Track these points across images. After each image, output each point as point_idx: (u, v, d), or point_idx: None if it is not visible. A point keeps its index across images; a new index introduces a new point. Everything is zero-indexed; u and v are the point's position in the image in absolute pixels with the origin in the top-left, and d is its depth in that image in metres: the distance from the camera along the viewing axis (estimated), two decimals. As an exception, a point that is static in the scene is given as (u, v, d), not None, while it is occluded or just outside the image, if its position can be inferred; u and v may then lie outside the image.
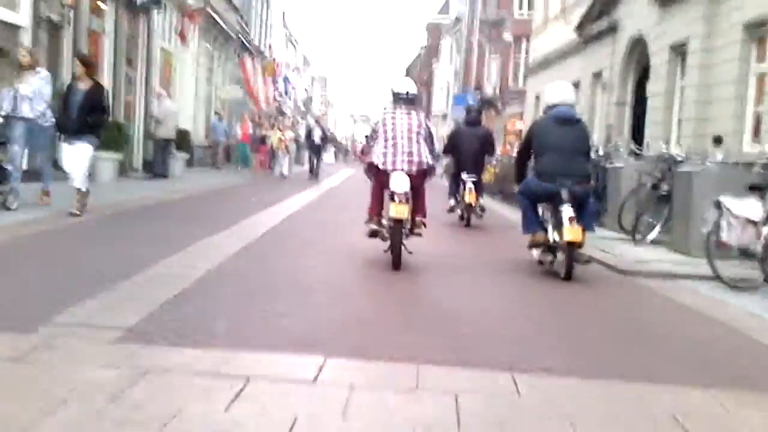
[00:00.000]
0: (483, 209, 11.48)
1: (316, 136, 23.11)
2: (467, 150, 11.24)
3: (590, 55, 24.79)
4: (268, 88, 26.12)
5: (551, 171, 6.85)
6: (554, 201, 6.85)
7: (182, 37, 17.43)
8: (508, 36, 44.40)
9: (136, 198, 12.35)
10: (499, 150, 22.81)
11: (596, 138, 17.36)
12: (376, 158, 6.98)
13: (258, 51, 29.97)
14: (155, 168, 15.83)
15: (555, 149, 6.91)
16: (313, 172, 23.18)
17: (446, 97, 57.93)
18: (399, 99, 7.27)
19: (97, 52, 14.48)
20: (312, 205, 14.18)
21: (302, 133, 30.94)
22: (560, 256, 6.82)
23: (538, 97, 31.81)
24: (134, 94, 16.40)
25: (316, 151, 23.43)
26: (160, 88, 16.65)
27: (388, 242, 6.93)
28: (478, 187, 11.18)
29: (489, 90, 44.38)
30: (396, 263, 6.73)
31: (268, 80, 26.73)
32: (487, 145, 11.61)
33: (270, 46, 31.34)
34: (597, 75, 24.01)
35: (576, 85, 25.28)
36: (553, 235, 6.88)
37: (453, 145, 11.67)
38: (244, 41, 28.56)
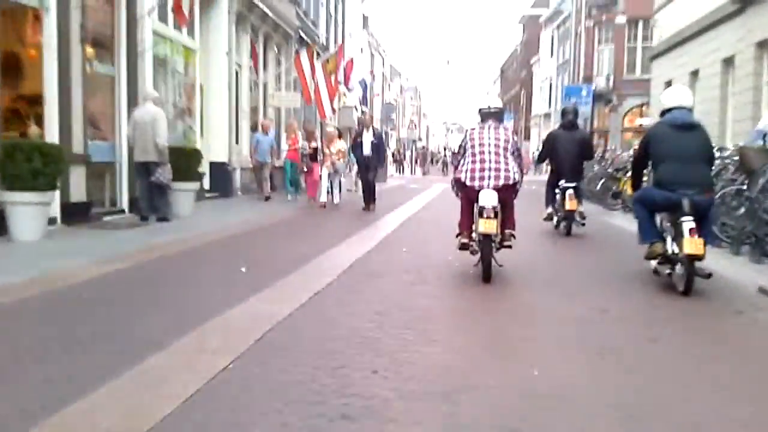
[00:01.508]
0: (584, 216, 10.93)
1: (366, 145, 15.17)
2: (564, 155, 10.74)
3: (752, 19, 18.57)
4: (334, 90, 20.77)
5: (671, 180, 6.53)
6: (674, 211, 6.49)
7: (179, 14, 12.25)
8: (621, 18, 38.25)
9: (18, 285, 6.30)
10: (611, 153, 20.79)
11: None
12: (464, 175, 6.99)
13: (324, 50, 24.82)
14: (142, 207, 10.85)
15: (675, 157, 6.57)
16: (367, 200, 15.31)
17: (549, 95, 51.63)
18: (485, 114, 7.33)
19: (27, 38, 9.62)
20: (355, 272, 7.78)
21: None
22: (679, 268, 6.45)
23: (669, 83, 26.10)
24: (114, 99, 11.40)
25: (366, 166, 15.36)
26: (151, 89, 11.55)
27: (478, 256, 6.95)
28: (578, 194, 10.71)
29: (601, 82, 38.03)
30: (486, 276, 6.78)
31: (334, 80, 21.40)
32: (585, 149, 11.10)
33: (340, 46, 26.05)
34: (763, 44, 17.79)
35: (729, 61, 20.13)
36: (672, 247, 6.57)
37: (549, 151, 11.10)
38: (307, 39, 23.55)
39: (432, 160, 51.23)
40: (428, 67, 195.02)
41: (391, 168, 46.31)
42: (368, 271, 7.55)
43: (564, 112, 11.53)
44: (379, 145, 15.46)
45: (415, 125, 54.12)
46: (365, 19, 51.48)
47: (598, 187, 16.60)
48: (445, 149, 52.36)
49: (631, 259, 8.04)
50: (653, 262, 7.05)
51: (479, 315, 5.89)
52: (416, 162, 44.99)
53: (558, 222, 11.07)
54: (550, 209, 11.23)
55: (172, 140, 12.64)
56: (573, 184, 10.63)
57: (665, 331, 5.31)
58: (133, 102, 11.38)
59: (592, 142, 11.20)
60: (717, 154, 10.04)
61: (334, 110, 21.71)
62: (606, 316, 5.76)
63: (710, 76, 22.03)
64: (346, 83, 25.84)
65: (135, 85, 11.53)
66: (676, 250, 6.48)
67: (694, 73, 23.70)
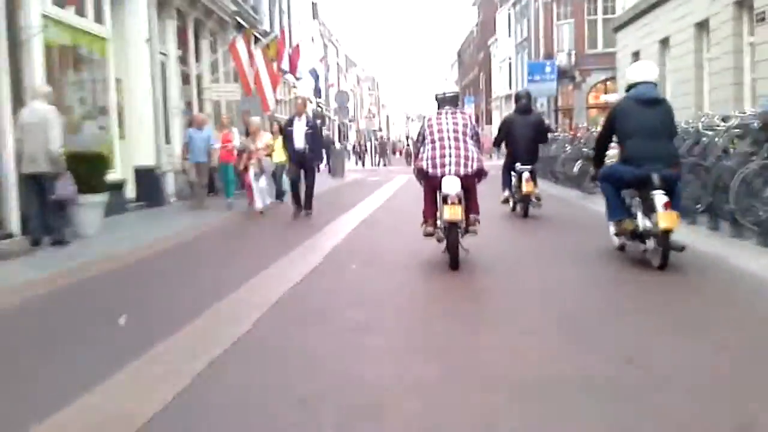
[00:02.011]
0: (539, 198, 10.99)
1: (298, 135, 12.14)
2: (520, 139, 10.92)
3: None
4: (277, 78, 18.77)
5: (640, 155, 6.51)
6: (644, 186, 6.49)
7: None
8: (579, -9, 36.80)
9: None
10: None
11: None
12: (425, 163, 6.95)
13: (266, 36, 22.76)
14: (33, 229, 8.80)
15: (642, 132, 6.57)
16: (301, 203, 12.51)
17: (509, 75, 50.02)
18: (441, 101, 7.35)
19: None
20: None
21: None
22: (650, 243, 6.47)
23: (637, 54, 24.66)
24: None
25: (300, 163, 12.32)
26: (41, 85, 9.49)
27: (444, 243, 6.93)
28: (534, 176, 10.76)
29: (563, 59, 36.52)
30: (454, 263, 6.79)
31: (276, 68, 19.40)
32: (540, 132, 11.22)
33: (282, 31, 23.98)
34: (743, 2, 16.34)
35: (703, 25, 18.78)
36: (643, 222, 6.52)
37: (505, 135, 11.29)
38: (246, 26, 21.51)
39: (393, 150, 49.29)
40: (385, 56, 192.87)
41: (350, 161, 44.43)
42: (300, 310, 5.55)
43: (518, 97, 11.71)
44: (314, 136, 12.32)
45: (374, 115, 52.01)
46: (314, 6, 49.48)
47: (575, 170, 14.86)
48: (407, 138, 50.76)
49: (594, 236, 8.19)
50: (616, 240, 7.17)
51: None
52: (377, 153, 43.04)
53: (515, 204, 11.23)
54: (507, 192, 11.34)
55: (79, 144, 10.61)
56: (529, 167, 10.78)
57: (643, 304, 5.35)
58: (19, 101, 9.33)
59: (548, 126, 11.74)
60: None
61: (277, 101, 19.63)
62: (585, 294, 5.82)
63: (682, 42, 20.52)
64: (293, 71, 23.84)
65: (20, 81, 9.47)
66: (648, 225, 6.46)
67: (664, 42, 22.21)
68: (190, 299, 5.88)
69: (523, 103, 11.33)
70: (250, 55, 17.69)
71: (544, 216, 11.03)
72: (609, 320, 4.97)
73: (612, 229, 7.24)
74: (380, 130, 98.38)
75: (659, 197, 6.31)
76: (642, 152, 6.53)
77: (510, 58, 49.55)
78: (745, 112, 9.57)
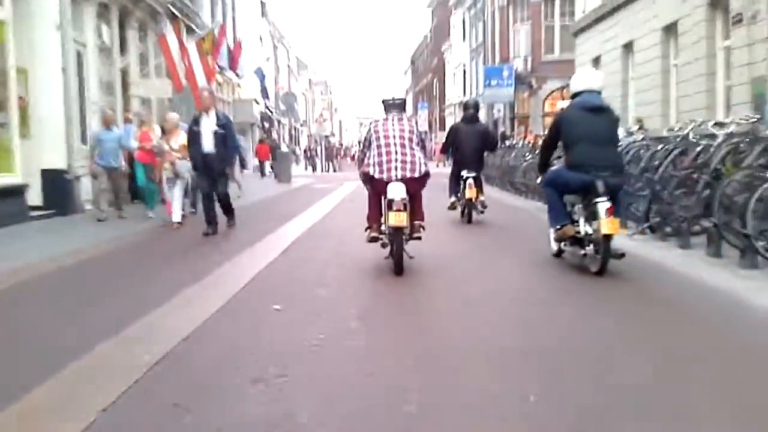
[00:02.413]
0: (485, 205, 11.28)
1: (206, 136, 10.05)
2: (467, 147, 11.12)
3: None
4: (212, 73, 17.04)
5: (585, 162, 6.60)
6: (587, 192, 6.60)
7: None
8: (536, -5, 35.82)
9: None
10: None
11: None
12: (371, 168, 6.94)
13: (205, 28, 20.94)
14: None
15: (587, 139, 6.65)
16: (214, 220, 10.30)
17: (463, 81, 48.92)
18: (388, 106, 7.35)
19: None
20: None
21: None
22: (589, 249, 6.60)
23: (597, 60, 23.64)
24: None
25: (208, 168, 10.14)
26: None
27: (389, 248, 6.94)
28: (479, 183, 11.14)
29: (519, 65, 35.41)
30: (398, 269, 6.78)
31: (211, 62, 17.67)
32: (486, 141, 11.47)
33: (222, 25, 22.13)
34: (716, 3, 15.24)
35: (670, 28, 17.72)
36: (584, 228, 6.67)
37: (452, 143, 11.46)
38: (183, 19, 19.72)
39: (344, 155, 47.60)
40: (338, 60, 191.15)
41: (300, 166, 42.68)
42: (178, 390, 3.69)
43: (465, 106, 11.92)
44: (225, 137, 10.05)
45: (325, 119, 50.29)
46: (263, 5, 47.66)
47: (539, 180, 13.49)
48: (359, 143, 48.93)
49: (536, 242, 8.21)
50: (554, 245, 7.26)
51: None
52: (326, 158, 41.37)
53: (463, 210, 11.31)
54: (453, 198, 11.50)
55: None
56: (473, 174, 10.99)
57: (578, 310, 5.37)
58: None
59: (494, 135, 12.31)
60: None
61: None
62: (522, 300, 5.82)
63: (648, 47, 19.42)
64: (233, 68, 22.11)
65: None
66: (590, 231, 6.57)
67: (627, 46, 21.12)
68: (25, 363, 4.20)
69: (470, 112, 11.58)
70: (182, 48, 15.95)
71: (489, 222, 11.27)
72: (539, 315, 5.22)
73: (552, 234, 7.30)
74: (332, 134, 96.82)
75: (602, 204, 6.38)
76: (588, 158, 6.59)
77: (464, 64, 48.47)
78: (748, 118, 8.23)
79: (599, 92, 6.96)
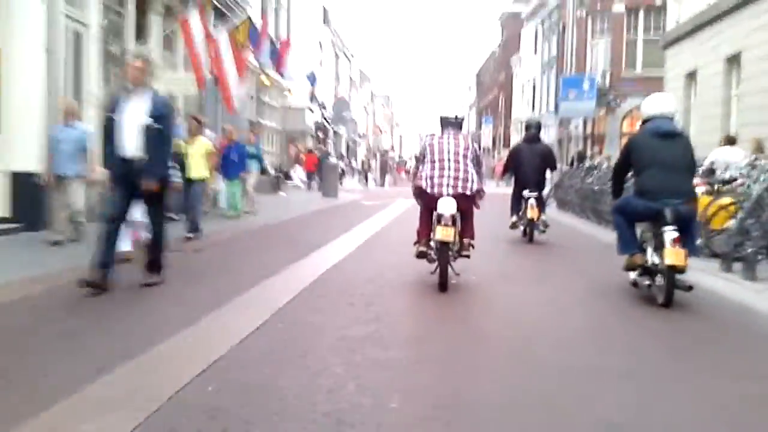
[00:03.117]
0: (546, 225, 11.25)
1: (129, 135, 6.38)
2: (528, 167, 11.18)
3: None
4: (243, 67, 14.53)
5: (654, 189, 6.40)
6: (656, 221, 6.38)
7: None
8: (619, 6, 32.87)
9: None
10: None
11: None
12: (424, 182, 6.96)
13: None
14: None
15: (657, 166, 6.44)
16: (108, 265, 6.27)
17: (532, 96, 45.79)
18: (446, 124, 7.34)
19: None
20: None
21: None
22: (659, 280, 6.35)
23: (692, 75, 20.52)
24: None
25: (128, 181, 6.45)
26: None
27: (435, 264, 6.91)
28: (540, 203, 11.12)
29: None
30: (442, 285, 6.74)
31: (245, 56, 15.20)
32: (547, 160, 11.49)
33: (263, 16, 19.57)
34: None
35: None
36: (652, 258, 6.45)
37: (513, 163, 11.57)
38: (223, 10, 17.34)
39: (398, 169, 44.85)
40: (401, 74, 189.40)
41: (352, 179, 40.13)
42: None
43: (527, 127, 11.98)
44: (162, 132, 6.45)
45: (382, 131, 47.72)
46: (326, 12, 45.52)
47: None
48: (414, 157, 46.10)
49: (602, 267, 8.07)
50: (632, 274, 6.93)
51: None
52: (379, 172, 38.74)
53: (525, 229, 11.32)
54: (514, 217, 11.46)
55: None
56: (535, 194, 11.01)
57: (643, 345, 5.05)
58: None
59: (554, 155, 12.18)
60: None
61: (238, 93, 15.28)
62: (578, 328, 5.57)
63: (761, 58, 16.24)
64: (279, 69, 19.70)
65: None
66: (657, 261, 6.35)
67: (733, 59, 17.95)
68: None
69: (532, 132, 11.59)
70: (208, 37, 13.52)
71: (551, 243, 11.17)
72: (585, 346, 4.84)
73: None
74: (392, 149, 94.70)
75: (669, 233, 6.18)
76: (657, 186, 6.39)
77: (534, 78, 45.36)
78: None
79: (672, 118, 6.77)
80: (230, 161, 13.69)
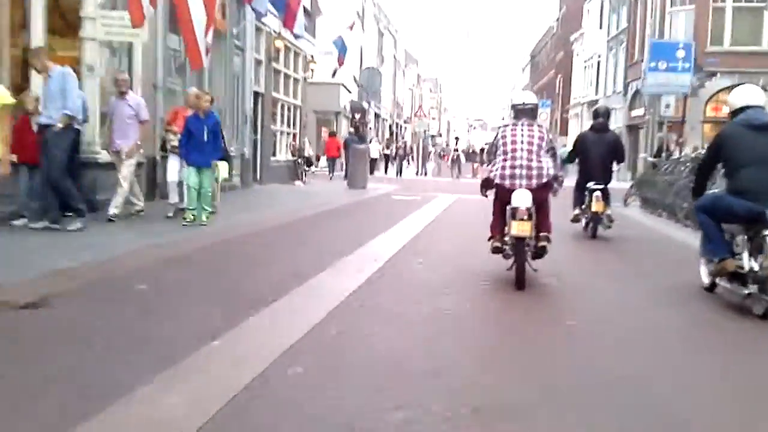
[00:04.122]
0: (611, 219, 10.63)
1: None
2: (594, 157, 10.57)
3: None
4: (213, 13, 10.32)
5: (756, 188, 5.84)
6: (754, 223, 5.85)
7: None
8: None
9: None
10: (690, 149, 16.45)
11: None
12: (495, 173, 6.67)
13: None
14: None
15: (756, 162, 5.90)
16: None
17: (596, 77, 40.89)
18: (519, 111, 6.99)
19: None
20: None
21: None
22: (753, 288, 5.75)
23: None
24: None
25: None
26: None
27: (512, 260, 6.59)
28: (606, 196, 10.49)
29: (675, 57, 27.40)
30: (520, 282, 6.44)
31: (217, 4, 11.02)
32: (615, 151, 10.83)
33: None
34: None
35: None
36: (748, 263, 5.84)
37: (579, 153, 10.88)
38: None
39: (441, 155, 40.05)
40: (450, 58, 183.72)
41: (393, 168, 35.75)
42: None
43: (595, 114, 11.36)
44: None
45: (425, 114, 43.11)
46: (367, -19, 41.33)
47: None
48: (478, 149, 42.20)
49: (679, 268, 7.75)
50: (705, 278, 6.66)
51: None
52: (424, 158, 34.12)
53: (587, 223, 10.70)
54: (577, 210, 10.83)
55: None
56: (601, 186, 10.42)
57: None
58: None
59: (623, 146, 11.19)
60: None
61: (208, 50, 11.02)
62: (662, 338, 5.08)
63: None
64: (289, 25, 15.45)
65: None
66: (755, 267, 5.77)
67: None
68: None
69: (600, 121, 11.00)
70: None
71: (615, 239, 10.36)
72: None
73: (703, 266, 6.67)
74: (439, 134, 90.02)
75: None
76: (759, 184, 5.83)
77: (599, 56, 40.42)
78: None
79: (764, 108, 6.21)
80: (196, 140, 9.55)
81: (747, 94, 6.35)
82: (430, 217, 12.97)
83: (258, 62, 18.43)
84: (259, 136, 18.70)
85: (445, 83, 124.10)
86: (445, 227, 11.69)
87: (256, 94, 18.42)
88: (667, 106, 20.11)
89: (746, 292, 5.85)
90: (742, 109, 6.23)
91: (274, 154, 20.44)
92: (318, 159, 27.86)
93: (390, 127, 62.51)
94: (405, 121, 68.47)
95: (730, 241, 6.20)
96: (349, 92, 36.23)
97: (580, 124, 46.19)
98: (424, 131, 42.46)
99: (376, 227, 10.51)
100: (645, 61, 18.19)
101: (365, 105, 47.26)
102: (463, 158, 33.19)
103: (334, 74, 23.94)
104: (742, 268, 5.89)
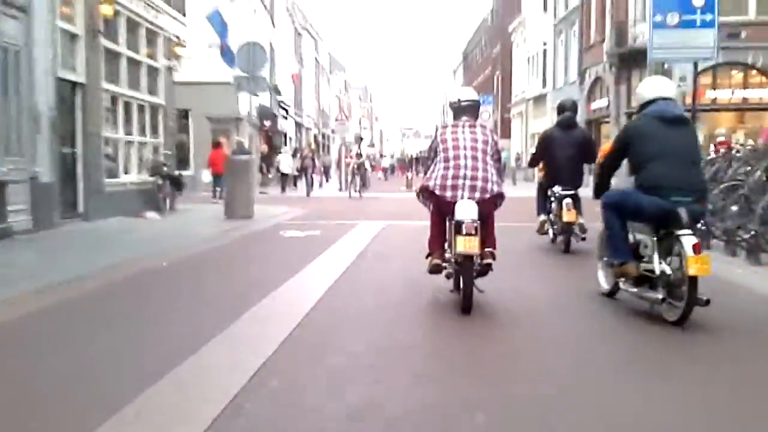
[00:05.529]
0: (584, 229, 9.46)
1: None
2: (561, 158, 9.57)
3: None
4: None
5: (665, 184, 5.54)
6: (663, 222, 5.59)
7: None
8: None
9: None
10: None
11: None
12: (433, 182, 6.00)
13: None
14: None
15: (666, 157, 5.61)
16: None
17: (543, 69, 35.63)
18: (457, 110, 6.33)
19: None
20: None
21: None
22: (661, 293, 5.48)
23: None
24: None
25: None
26: None
27: (452, 280, 6.11)
28: (577, 203, 9.43)
29: (641, 34, 22.29)
30: (466, 305, 5.69)
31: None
32: (586, 151, 9.78)
33: None
34: None
35: None
36: (659, 267, 5.52)
37: (544, 154, 9.99)
38: None
39: (372, 167, 33.70)
40: (379, 67, 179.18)
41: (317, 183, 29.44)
42: None
43: (561, 108, 10.18)
44: None
45: (347, 116, 36.96)
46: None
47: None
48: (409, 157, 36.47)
49: None
50: (604, 283, 6.37)
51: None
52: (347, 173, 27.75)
53: (555, 235, 9.81)
54: (543, 217, 9.97)
55: None
56: (570, 192, 9.44)
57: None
58: None
59: (594, 144, 10.36)
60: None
61: None
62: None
63: None
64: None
65: None
66: (667, 271, 5.51)
67: None
68: None
69: (567, 116, 9.88)
70: None
71: (591, 252, 7.66)
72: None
73: (601, 270, 6.37)
74: (372, 144, 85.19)
75: (688, 237, 5.34)
76: (668, 180, 5.54)
77: (545, 44, 35.15)
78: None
79: (673, 101, 5.96)
80: None
81: (657, 86, 6.02)
82: (326, 281, 7.02)
83: (71, 36, 12.10)
84: (79, 149, 12.34)
85: (375, 92, 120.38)
86: (347, 308, 5.90)
87: (71, 85, 12.10)
88: (682, 79, 14.48)
89: (658, 297, 5.53)
90: (652, 101, 5.85)
91: (114, 174, 14.04)
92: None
93: (315, 137, 56.84)
94: (333, 131, 62.98)
95: (635, 242, 5.92)
96: (255, 95, 30.10)
97: (524, 123, 41.02)
98: (343, 136, 36.39)
99: (217, 318, 5.28)
100: (648, 16, 12.53)
101: (281, 112, 41.18)
102: (369, 167, 26.85)
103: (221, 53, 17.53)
104: (651, 271, 5.60)
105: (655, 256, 5.60)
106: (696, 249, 5.24)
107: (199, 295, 6.35)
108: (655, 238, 5.65)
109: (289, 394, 3.69)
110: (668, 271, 5.46)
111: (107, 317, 5.49)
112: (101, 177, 13.19)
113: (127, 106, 14.93)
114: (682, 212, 5.38)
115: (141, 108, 15.47)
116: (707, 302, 5.33)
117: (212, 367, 4.17)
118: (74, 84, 12.32)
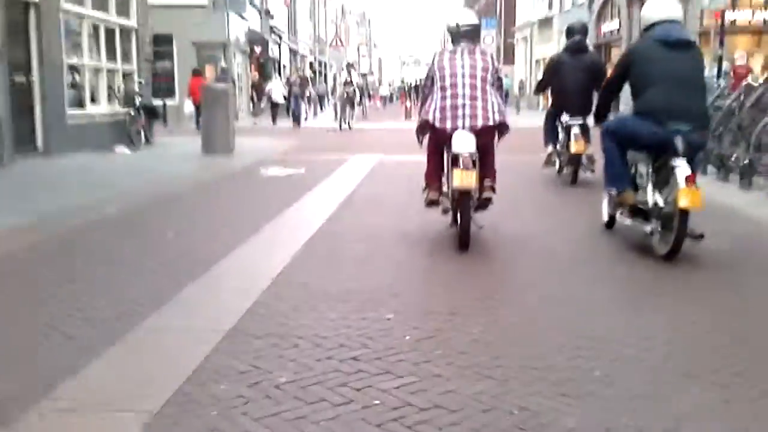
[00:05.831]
0: (592, 160, 9.08)
1: None
2: (570, 84, 9.06)
3: None
4: None
5: (662, 110, 5.23)
6: (660, 151, 5.31)
7: None
8: None
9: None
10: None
11: None
12: (432, 114, 5.59)
13: None
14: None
15: (666, 81, 5.27)
16: None
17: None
18: (456, 35, 5.83)
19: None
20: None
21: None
22: (655, 225, 5.25)
23: None
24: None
25: None
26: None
27: (451, 216, 5.83)
28: (586, 132, 8.90)
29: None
30: (464, 242, 5.45)
31: None
32: (596, 77, 8.97)
33: None
34: None
35: None
36: (652, 197, 5.33)
37: (551, 80, 9.48)
38: None
39: (369, 96, 32.13)
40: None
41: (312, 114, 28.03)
42: None
43: (569, 31, 9.57)
44: None
45: (342, 42, 35.03)
46: None
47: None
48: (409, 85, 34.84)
49: None
50: (605, 213, 6.09)
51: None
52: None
53: (561, 167, 9.41)
54: (550, 148, 9.54)
55: None
56: (579, 120, 8.92)
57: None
58: None
59: (605, 69, 9.34)
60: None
61: None
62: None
63: None
64: None
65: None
66: (659, 202, 5.29)
67: None
68: None
69: (577, 39, 9.34)
70: None
71: (599, 183, 6.87)
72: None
73: (606, 200, 6.02)
74: (371, 72, 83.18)
75: (681, 168, 5.05)
76: (666, 106, 5.21)
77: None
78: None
79: (680, 23, 5.63)
80: None
81: (663, 7, 5.64)
82: (308, 231, 5.99)
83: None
84: (35, 77, 11.06)
85: (374, 18, 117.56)
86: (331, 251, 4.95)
87: (23, 5, 10.75)
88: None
89: (648, 229, 5.36)
90: (657, 24, 5.54)
91: (81, 105, 12.77)
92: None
93: (311, 65, 55.01)
94: (329, 59, 61.00)
95: (634, 171, 5.74)
96: (244, 19, 28.52)
97: (528, 49, 39.33)
98: (340, 63, 34.65)
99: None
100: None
101: (274, 38, 39.35)
102: (358, 94, 25.32)
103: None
104: (644, 202, 5.42)
105: (649, 187, 5.40)
106: (689, 180, 4.97)
107: (123, 263, 5.12)
108: (650, 168, 5.46)
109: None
110: (661, 203, 5.26)
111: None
112: (63, 108, 11.91)
113: (96, 30, 13.54)
114: (678, 141, 5.10)
115: (110, 32, 14.05)
116: (701, 236, 5.15)
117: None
118: (26, 4, 10.96)
